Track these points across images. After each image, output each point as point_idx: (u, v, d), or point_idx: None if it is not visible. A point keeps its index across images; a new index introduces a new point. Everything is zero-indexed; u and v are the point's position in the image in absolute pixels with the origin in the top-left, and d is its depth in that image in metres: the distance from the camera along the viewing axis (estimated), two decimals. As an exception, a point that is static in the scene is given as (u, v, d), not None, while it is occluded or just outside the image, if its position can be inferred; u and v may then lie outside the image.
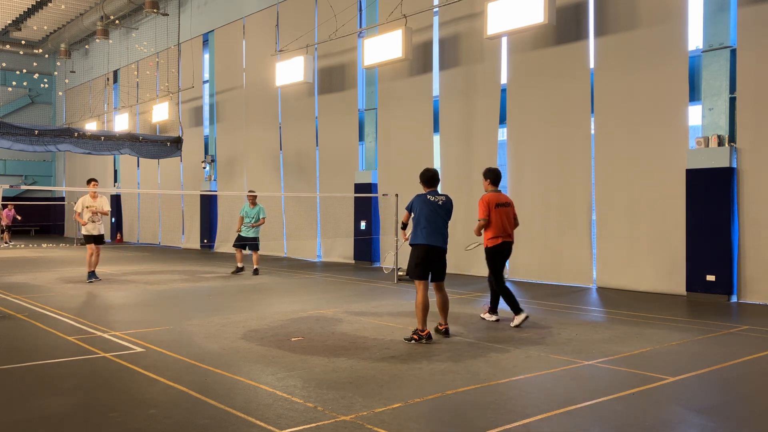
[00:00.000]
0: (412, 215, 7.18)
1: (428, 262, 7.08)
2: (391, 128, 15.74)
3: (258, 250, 14.19)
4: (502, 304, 8.38)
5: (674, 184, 10.75)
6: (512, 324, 7.84)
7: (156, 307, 9.44)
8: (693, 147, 10.61)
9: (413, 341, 6.89)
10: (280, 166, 19.27)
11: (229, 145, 21.40)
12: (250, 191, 14.69)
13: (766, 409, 4.86)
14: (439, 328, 7.28)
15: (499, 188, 8.23)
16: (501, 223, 7.97)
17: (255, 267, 14.04)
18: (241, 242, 14.16)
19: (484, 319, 8.35)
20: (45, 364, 5.99)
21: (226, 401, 4.78)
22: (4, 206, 22.99)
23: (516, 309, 7.89)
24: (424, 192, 7.25)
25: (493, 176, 8.15)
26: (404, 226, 7.51)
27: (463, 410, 4.63)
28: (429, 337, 6.94)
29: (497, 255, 8.05)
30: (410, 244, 7.18)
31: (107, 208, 12.43)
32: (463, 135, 14.04)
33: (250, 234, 13.95)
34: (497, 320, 8.22)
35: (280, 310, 9.06)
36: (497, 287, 8.04)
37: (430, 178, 7.26)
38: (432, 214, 7.07)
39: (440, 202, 7.16)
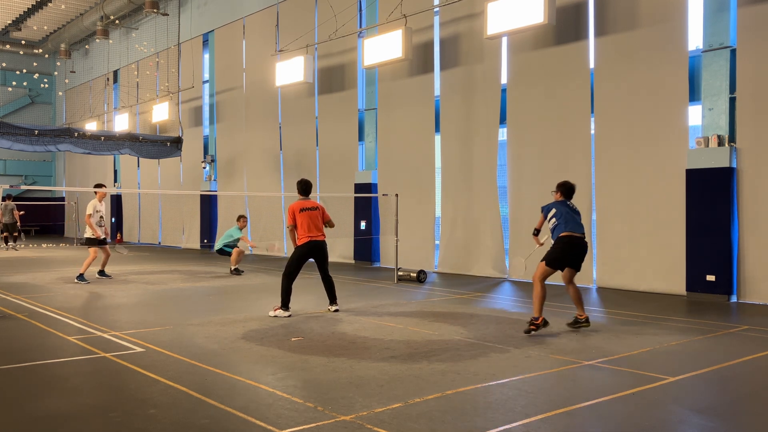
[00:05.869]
0: (552, 218, 7.60)
1: (570, 251, 7.47)
2: (391, 128, 15.74)
3: (237, 246, 14.54)
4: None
5: (674, 184, 10.75)
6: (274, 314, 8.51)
7: (156, 307, 9.45)
8: (693, 147, 10.61)
9: (532, 332, 7.28)
10: (280, 166, 19.27)
11: (229, 145, 21.40)
12: (242, 216, 14.75)
13: (766, 409, 4.86)
14: (580, 318, 7.62)
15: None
16: (307, 225, 8.75)
17: (235, 267, 14.13)
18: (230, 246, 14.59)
19: (277, 316, 8.51)
20: (45, 364, 5.99)
21: (226, 401, 4.78)
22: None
23: (286, 303, 8.57)
24: (559, 200, 7.76)
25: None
26: (537, 232, 7.95)
27: (463, 410, 4.63)
28: (546, 322, 7.34)
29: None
30: (553, 239, 7.58)
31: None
32: (464, 135, 14.04)
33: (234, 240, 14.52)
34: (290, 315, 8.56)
35: (280, 310, 9.06)
36: (289, 281, 8.59)
37: (572, 189, 7.80)
38: (571, 213, 7.62)
39: (576, 208, 7.81)
